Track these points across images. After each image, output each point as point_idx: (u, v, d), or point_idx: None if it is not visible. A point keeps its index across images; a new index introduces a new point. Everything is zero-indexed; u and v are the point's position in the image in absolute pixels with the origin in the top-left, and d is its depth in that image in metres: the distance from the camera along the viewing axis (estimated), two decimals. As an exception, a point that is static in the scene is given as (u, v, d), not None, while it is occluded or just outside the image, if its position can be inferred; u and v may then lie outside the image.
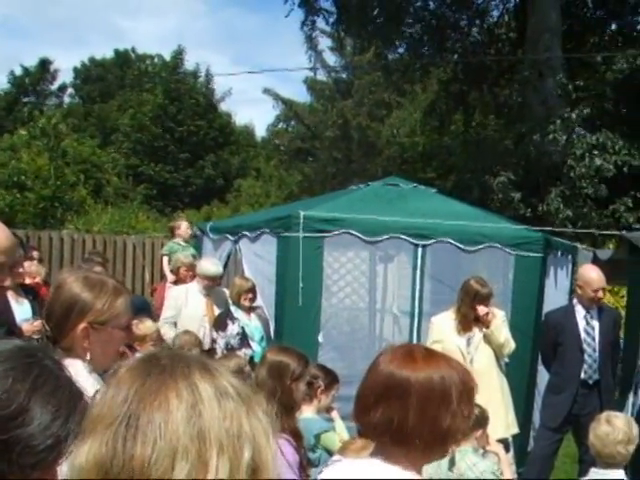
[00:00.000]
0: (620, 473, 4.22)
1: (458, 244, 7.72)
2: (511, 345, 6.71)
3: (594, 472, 4.31)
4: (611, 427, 4.15)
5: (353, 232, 7.80)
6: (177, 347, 6.82)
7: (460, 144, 19.49)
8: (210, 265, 8.33)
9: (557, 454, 7.04)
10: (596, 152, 14.85)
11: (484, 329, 6.58)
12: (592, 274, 6.81)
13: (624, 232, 8.16)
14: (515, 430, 6.87)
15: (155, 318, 8.06)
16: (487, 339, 6.60)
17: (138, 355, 1.28)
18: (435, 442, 2.21)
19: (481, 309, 6.48)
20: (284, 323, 7.84)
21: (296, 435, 4.10)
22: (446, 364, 2.25)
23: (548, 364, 7.12)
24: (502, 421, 6.59)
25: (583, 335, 6.75)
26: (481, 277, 6.72)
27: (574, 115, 15.22)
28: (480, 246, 7.76)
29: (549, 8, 16.93)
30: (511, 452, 6.90)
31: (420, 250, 7.79)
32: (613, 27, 21.90)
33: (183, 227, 10.52)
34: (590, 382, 6.71)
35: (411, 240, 7.79)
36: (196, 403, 1.17)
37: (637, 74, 19.83)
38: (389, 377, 2.17)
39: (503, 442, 6.63)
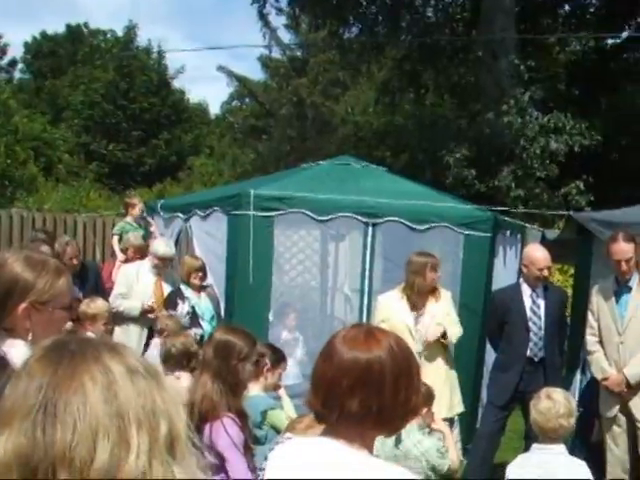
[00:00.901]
0: (562, 447, 4.29)
1: (408, 223, 7.75)
2: (460, 331, 6.79)
3: (536, 447, 4.37)
4: (552, 402, 4.21)
5: (304, 211, 7.79)
6: (159, 329, 6.82)
7: (414, 123, 19.56)
8: (162, 246, 8.27)
9: (504, 431, 7.13)
10: (549, 133, 15.00)
11: (442, 340, 6.63)
12: (537, 253, 6.87)
13: (572, 212, 8.27)
14: (460, 410, 6.95)
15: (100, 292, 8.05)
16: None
17: (43, 344, 1.28)
18: (403, 419, 2.23)
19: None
20: (234, 302, 7.82)
21: (242, 414, 4.11)
22: (400, 339, 2.26)
23: (495, 342, 7.20)
24: (446, 401, 6.67)
25: (529, 314, 6.81)
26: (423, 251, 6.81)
27: (527, 97, 15.34)
28: (430, 225, 7.80)
29: (503, -11, 17.00)
30: (457, 430, 6.99)
31: (370, 229, 7.81)
32: (567, 9, 22.06)
33: (137, 208, 10.43)
34: (536, 360, 6.79)
35: (361, 219, 7.81)
36: (110, 384, 1.19)
37: (590, 56, 20.06)
38: (358, 362, 2.14)
39: (449, 420, 6.74)
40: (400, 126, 20.64)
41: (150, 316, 7.90)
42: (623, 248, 6.16)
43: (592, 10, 21.65)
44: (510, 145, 15.03)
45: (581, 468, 4.37)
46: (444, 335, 6.61)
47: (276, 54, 29.74)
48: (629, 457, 6.52)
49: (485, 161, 15.07)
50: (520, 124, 14.88)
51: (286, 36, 29.81)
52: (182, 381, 5.41)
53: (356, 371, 2.13)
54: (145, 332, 8.03)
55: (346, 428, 2.14)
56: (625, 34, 21.57)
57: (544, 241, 8.69)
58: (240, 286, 7.75)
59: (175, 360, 5.57)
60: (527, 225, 9.48)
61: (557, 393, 4.32)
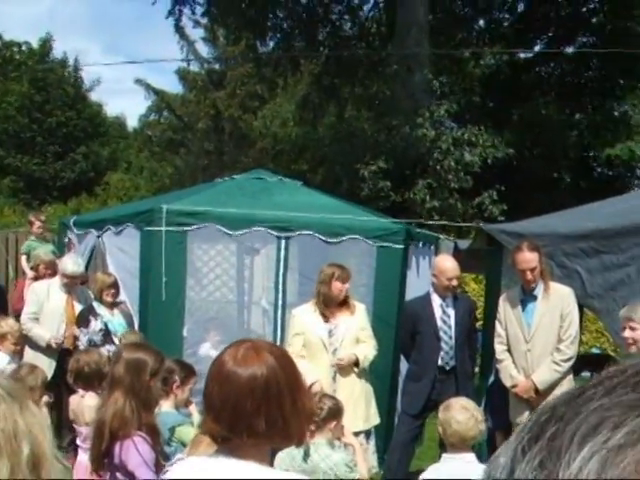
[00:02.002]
0: (472, 455, 4.36)
1: (320, 236, 7.80)
2: (374, 349, 6.83)
3: (447, 457, 4.43)
4: (468, 411, 4.28)
5: (216, 225, 7.79)
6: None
7: (331, 136, 19.70)
8: (71, 264, 8.13)
9: (419, 440, 7.21)
10: (463, 146, 15.27)
11: (355, 368, 6.67)
12: (446, 263, 6.97)
13: (482, 224, 8.42)
14: (376, 421, 6.99)
15: (9, 312, 7.89)
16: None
17: None
18: (306, 427, 2.24)
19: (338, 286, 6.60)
20: (148, 318, 7.76)
21: (154, 431, 4.07)
22: (281, 348, 2.28)
23: (407, 353, 7.26)
24: (362, 413, 6.71)
25: (439, 323, 6.91)
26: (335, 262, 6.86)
27: (442, 110, 15.60)
28: (342, 238, 7.86)
29: (417, 3, 17.26)
30: (372, 441, 7.04)
31: (283, 242, 7.84)
32: (481, 23, 22.54)
33: (35, 226, 10.37)
34: (447, 368, 6.88)
35: (274, 233, 7.83)
36: None
37: (503, 69, 20.54)
38: (256, 380, 2.13)
39: (365, 432, 6.79)
40: (318, 139, 20.77)
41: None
42: (527, 258, 6.30)
43: (506, 25, 22.16)
44: (425, 157, 15.25)
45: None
46: (357, 363, 6.66)
47: (194, 67, 29.65)
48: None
49: (400, 173, 15.25)
50: (435, 136, 15.11)
51: (204, 49, 29.75)
52: (86, 400, 5.33)
53: (258, 389, 2.12)
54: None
55: (249, 445, 2.13)
56: (537, 48, 22.16)
57: (457, 251, 8.84)
58: (153, 302, 7.69)
59: (87, 379, 5.49)
60: (440, 236, 9.63)
61: (467, 402, 4.40)
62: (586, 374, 11.05)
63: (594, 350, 14.77)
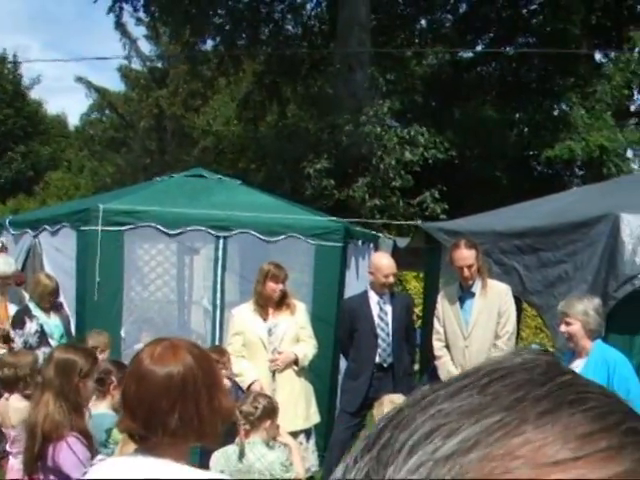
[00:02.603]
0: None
1: (259, 235, 7.76)
2: (314, 347, 6.83)
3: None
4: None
5: (153, 225, 7.70)
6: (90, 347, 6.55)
7: (274, 135, 19.66)
8: (1, 264, 7.97)
9: (357, 437, 7.21)
10: (405, 145, 15.35)
11: (294, 367, 6.66)
12: (382, 260, 6.99)
13: (419, 222, 8.49)
14: (316, 420, 6.99)
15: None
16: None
17: None
18: (220, 425, 2.23)
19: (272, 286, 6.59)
20: (85, 319, 7.64)
21: (86, 434, 4.00)
22: (198, 346, 2.27)
23: (346, 351, 7.26)
24: (302, 412, 6.71)
25: (377, 320, 6.91)
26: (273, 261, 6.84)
27: (385, 108, 15.65)
28: (281, 237, 7.84)
29: (359, 3, 17.31)
30: (313, 440, 7.03)
31: (221, 242, 7.79)
32: (423, 24, 22.72)
33: None
34: (385, 365, 6.89)
35: (211, 232, 7.77)
36: None
37: (445, 69, 20.75)
38: (172, 378, 2.12)
39: (305, 431, 6.78)
40: (261, 138, 20.71)
41: None
42: (465, 255, 6.35)
43: (447, 25, 22.37)
44: (367, 156, 15.30)
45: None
46: (296, 362, 6.65)
47: (137, 65, 29.34)
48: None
49: (343, 172, 15.28)
50: (378, 135, 15.17)
51: (147, 47, 29.51)
52: (12, 402, 5.24)
53: (174, 388, 2.11)
54: None
55: (167, 444, 2.11)
56: (478, 48, 22.43)
57: (396, 250, 8.88)
58: (90, 303, 7.58)
59: (9, 382, 5.40)
60: (380, 234, 9.65)
61: (398, 398, 4.41)
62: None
63: (533, 346, 14.98)
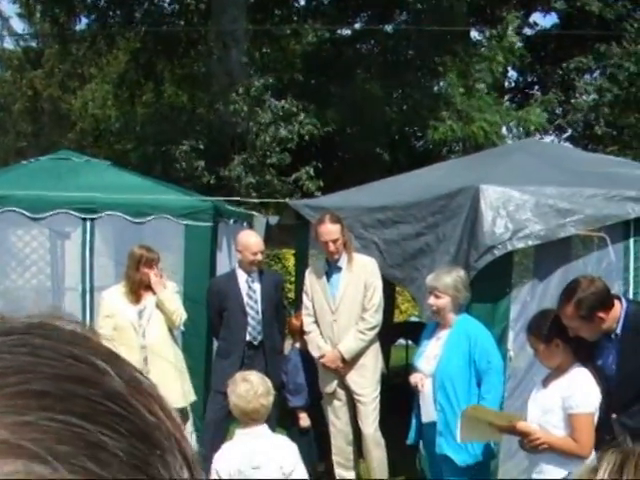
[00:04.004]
0: (264, 427, 4.40)
1: (127, 216, 7.67)
2: (182, 315, 6.81)
3: (240, 432, 4.46)
4: (249, 383, 4.30)
5: (16, 209, 7.52)
6: None
7: (150, 115, 19.33)
8: None
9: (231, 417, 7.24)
10: (281, 123, 15.33)
11: (155, 297, 6.64)
12: (250, 238, 7.02)
13: (287, 200, 8.54)
14: (193, 398, 6.99)
15: None
16: (159, 308, 6.65)
17: None
18: None
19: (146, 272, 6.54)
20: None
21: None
22: None
23: (216, 331, 7.26)
24: (179, 391, 6.68)
25: (246, 299, 6.94)
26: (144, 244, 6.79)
27: (258, 84, 15.54)
28: (149, 217, 7.76)
29: (235, -20, 17.13)
30: (190, 420, 7.03)
31: (88, 224, 7.67)
32: (300, 2, 22.69)
33: None
34: (255, 343, 6.93)
35: (78, 215, 7.64)
36: None
37: (324, 46, 20.79)
38: None
39: (182, 411, 6.75)
40: (137, 119, 20.31)
41: None
42: (329, 229, 6.45)
43: (326, 2, 22.37)
44: (241, 134, 15.22)
45: (285, 443, 4.53)
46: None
47: (9, 45, 28.34)
48: (351, 429, 6.89)
49: (217, 151, 15.15)
50: (249, 112, 15.06)
51: (20, 25, 28.52)
52: None
53: None
54: None
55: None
56: (357, 25, 22.56)
57: (269, 228, 8.92)
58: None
59: None
60: (254, 213, 9.65)
61: (252, 375, 4.43)
62: (402, 342, 11.47)
63: (412, 319, 15.33)
